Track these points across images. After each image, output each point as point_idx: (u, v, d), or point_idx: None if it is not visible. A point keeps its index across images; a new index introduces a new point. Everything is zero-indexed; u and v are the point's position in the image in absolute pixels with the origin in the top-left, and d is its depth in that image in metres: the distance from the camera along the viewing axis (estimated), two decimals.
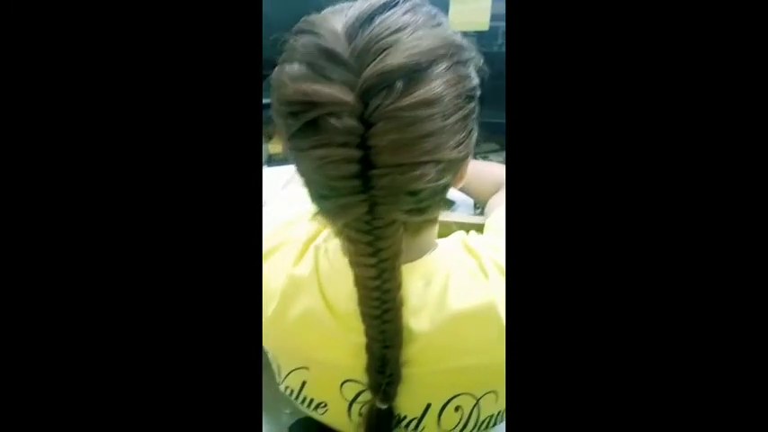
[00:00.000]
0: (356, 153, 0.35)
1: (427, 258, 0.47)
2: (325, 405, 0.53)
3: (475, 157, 0.45)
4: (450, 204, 0.43)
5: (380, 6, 0.36)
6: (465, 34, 0.40)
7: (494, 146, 0.98)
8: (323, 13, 0.39)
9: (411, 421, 0.50)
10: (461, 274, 0.46)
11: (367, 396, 0.49)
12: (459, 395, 0.48)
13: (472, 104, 0.39)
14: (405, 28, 0.35)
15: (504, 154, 0.98)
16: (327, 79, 0.34)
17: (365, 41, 0.34)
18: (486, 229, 0.59)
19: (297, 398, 0.54)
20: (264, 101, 0.40)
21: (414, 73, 0.34)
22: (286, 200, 0.64)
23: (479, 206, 0.82)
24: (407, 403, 0.49)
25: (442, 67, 0.35)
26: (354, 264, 0.42)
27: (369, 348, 0.45)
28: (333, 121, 0.34)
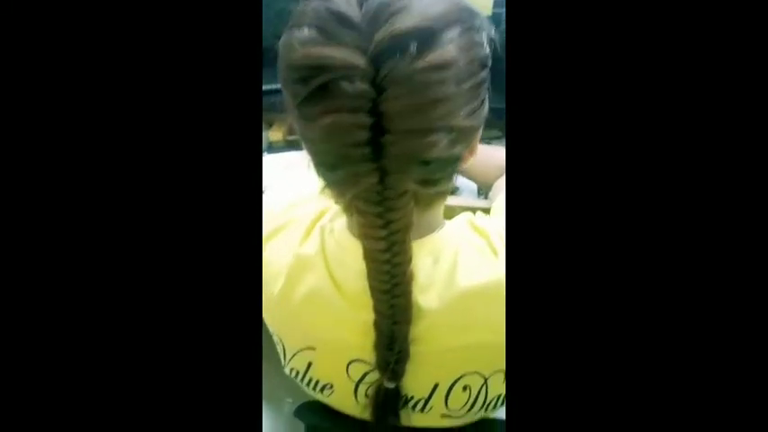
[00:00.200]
0: (367, 119, 0.34)
1: (435, 236, 0.46)
2: (332, 387, 0.52)
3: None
4: (454, 190, 0.43)
5: None
6: None
7: (497, 132, 0.98)
8: None
9: (418, 402, 0.50)
10: (470, 251, 0.46)
11: (374, 377, 0.49)
12: (467, 374, 0.47)
13: (484, 73, 0.38)
14: None
15: None
16: (338, 43, 0.34)
17: (377, 5, 0.34)
18: (492, 212, 0.59)
19: (302, 380, 0.53)
20: (264, 87, 0.39)
21: (427, 36, 0.34)
22: (289, 182, 0.63)
23: (483, 192, 0.82)
24: (415, 383, 0.48)
25: (455, 31, 0.35)
26: (364, 236, 0.41)
27: (377, 325, 0.44)
28: (344, 85, 0.33)
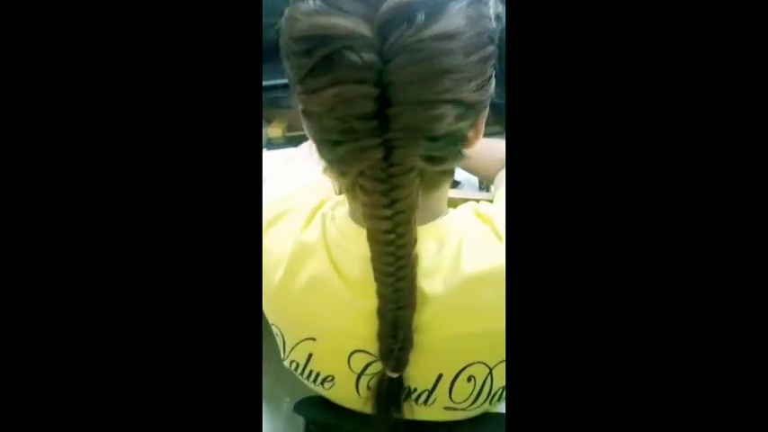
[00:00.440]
0: (373, 90, 0.34)
1: (439, 222, 0.45)
2: (332, 379, 0.51)
3: None
4: (455, 184, 0.42)
5: None
6: None
7: (498, 128, 0.97)
8: None
9: (421, 394, 0.49)
10: (474, 237, 0.45)
11: (376, 368, 0.48)
12: (472, 364, 0.46)
13: (492, 47, 0.38)
14: None
15: None
16: (344, 12, 0.33)
17: None
18: (495, 201, 0.58)
19: (302, 372, 0.52)
20: (264, 83, 0.38)
21: (434, 6, 0.33)
22: (289, 173, 0.62)
23: (484, 185, 0.81)
24: (418, 374, 0.47)
25: (463, 2, 0.35)
26: (368, 217, 0.40)
27: (380, 312, 0.43)
28: (349, 55, 0.33)
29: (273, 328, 0.53)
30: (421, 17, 0.33)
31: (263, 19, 0.36)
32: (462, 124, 0.37)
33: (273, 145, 1.01)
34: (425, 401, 0.49)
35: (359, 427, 0.53)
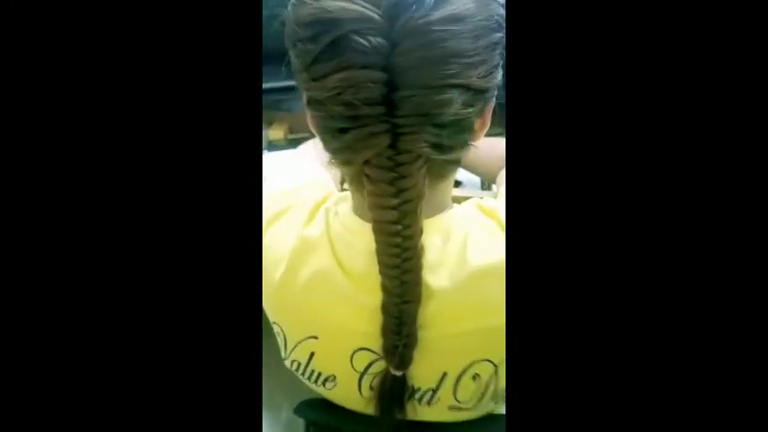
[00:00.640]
0: (381, 75, 0.33)
1: (444, 216, 0.45)
2: (334, 379, 0.50)
3: None
4: (457, 183, 0.42)
5: None
6: None
7: (499, 130, 0.97)
8: None
9: (425, 393, 0.48)
10: (480, 231, 0.44)
11: (379, 367, 0.47)
12: (477, 362, 0.45)
13: (500, 34, 0.37)
14: None
15: None
16: None
17: None
18: (498, 197, 0.57)
19: (303, 372, 0.51)
20: (264, 85, 0.38)
21: None
22: (291, 171, 0.62)
23: (486, 185, 0.80)
24: (422, 372, 0.46)
25: None
26: (374, 206, 0.39)
27: (385, 306, 0.42)
28: (357, 39, 0.33)
29: (274, 326, 0.52)
30: (429, 0, 0.32)
31: (264, 12, 0.36)
32: (469, 111, 0.37)
33: (274, 147, 1.00)
34: (429, 401, 0.48)
35: (361, 429, 0.52)
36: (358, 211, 0.45)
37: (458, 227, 0.44)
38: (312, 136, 0.74)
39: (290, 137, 1.01)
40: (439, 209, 0.45)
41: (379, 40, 0.33)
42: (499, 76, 0.39)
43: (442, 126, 0.36)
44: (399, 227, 0.39)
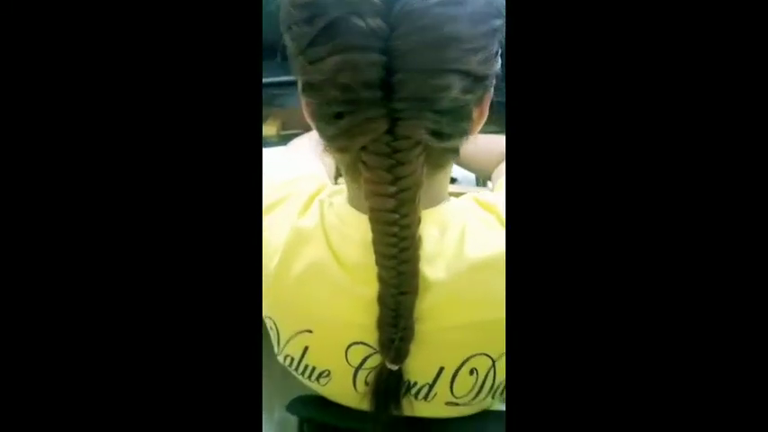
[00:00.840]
0: (379, 57, 0.33)
1: (441, 208, 0.44)
2: (329, 374, 0.49)
3: None
4: (452, 180, 0.41)
5: None
6: None
7: (494, 128, 0.96)
8: None
9: (422, 388, 0.47)
10: (477, 224, 0.43)
11: (374, 362, 0.46)
12: (474, 356, 0.44)
13: (500, 21, 0.37)
14: None
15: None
16: None
17: None
18: (496, 190, 0.57)
19: (297, 368, 0.50)
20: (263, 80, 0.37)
21: None
22: (284, 163, 0.61)
23: (481, 182, 0.80)
24: (419, 367, 0.45)
25: None
26: (371, 194, 0.39)
27: (381, 298, 0.42)
28: (355, 21, 0.32)
29: (267, 320, 0.51)
30: None
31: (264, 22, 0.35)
32: (468, 97, 0.36)
33: (267, 143, 0.99)
34: (426, 396, 0.47)
35: (356, 425, 0.51)
36: (353, 202, 0.45)
37: (455, 219, 0.43)
38: (305, 132, 0.73)
39: (283, 133, 1.00)
40: (436, 200, 0.44)
41: (377, 21, 0.32)
42: (498, 64, 0.39)
43: (440, 112, 0.36)
44: (397, 215, 0.38)
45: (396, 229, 0.39)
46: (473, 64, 0.35)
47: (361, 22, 0.32)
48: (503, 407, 0.54)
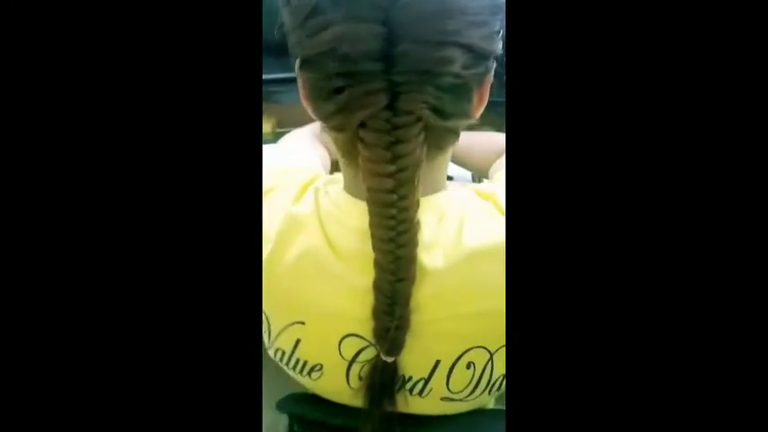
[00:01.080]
0: (380, 29, 0.32)
1: (439, 195, 0.43)
2: (321, 368, 0.47)
3: None
4: (448, 178, 0.41)
5: None
6: None
7: (488, 129, 0.96)
8: None
9: (417, 383, 0.45)
10: (476, 212, 0.42)
11: (368, 355, 0.45)
12: (471, 349, 0.43)
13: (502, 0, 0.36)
14: None
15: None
16: None
17: None
18: (494, 182, 0.56)
19: (288, 362, 0.49)
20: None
21: None
22: (279, 152, 0.60)
23: (477, 179, 0.79)
24: (414, 360, 0.44)
25: None
26: (369, 174, 0.37)
27: (377, 285, 0.40)
28: None
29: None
30: None
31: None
32: (469, 74, 0.36)
33: (263, 140, 0.98)
34: (421, 392, 0.46)
35: (349, 422, 0.49)
36: (350, 188, 0.43)
37: (454, 207, 0.42)
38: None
39: (279, 130, 0.99)
40: (435, 188, 0.43)
41: None
42: (500, 45, 0.38)
43: (441, 88, 0.35)
44: (395, 196, 0.37)
45: (394, 212, 0.38)
46: (475, 38, 0.35)
47: None
48: (498, 405, 0.53)
